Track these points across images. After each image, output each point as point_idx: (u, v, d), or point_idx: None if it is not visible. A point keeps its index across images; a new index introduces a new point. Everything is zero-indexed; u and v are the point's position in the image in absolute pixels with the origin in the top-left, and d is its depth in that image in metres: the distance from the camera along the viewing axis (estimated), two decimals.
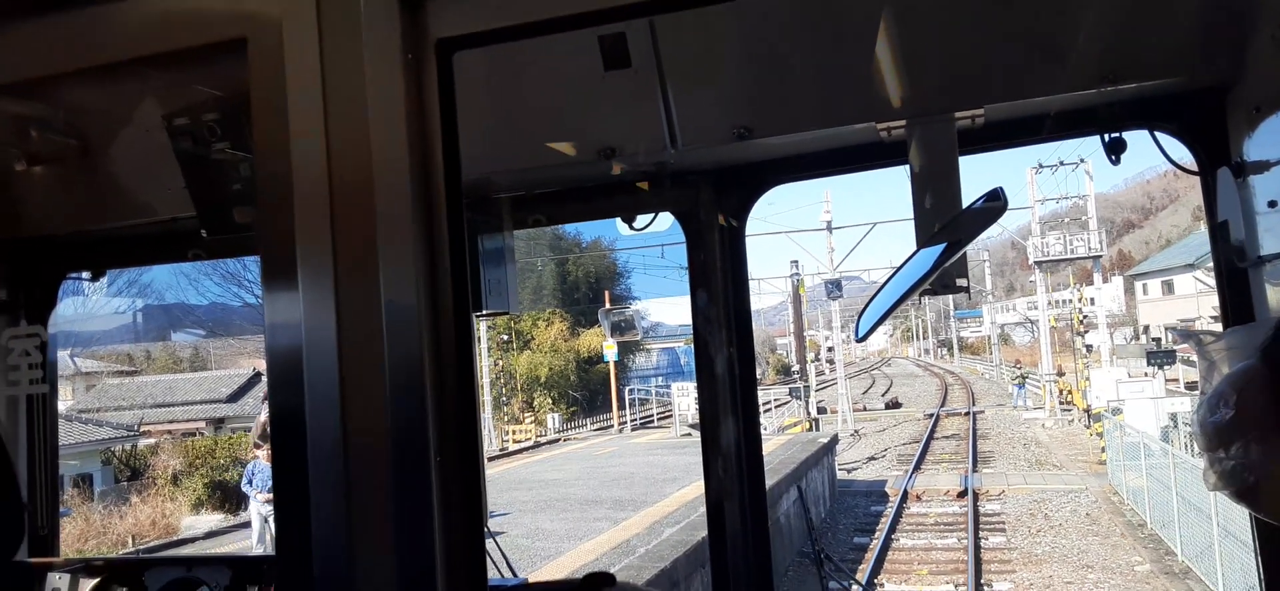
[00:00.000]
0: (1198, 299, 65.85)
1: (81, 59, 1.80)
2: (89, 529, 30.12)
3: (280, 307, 1.58)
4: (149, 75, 2.09)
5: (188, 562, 3.94)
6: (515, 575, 3.93)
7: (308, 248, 1.56)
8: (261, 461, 19.80)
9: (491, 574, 3.84)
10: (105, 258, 3.86)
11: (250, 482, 20.15)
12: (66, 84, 2.24)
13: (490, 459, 38.45)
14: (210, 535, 26.68)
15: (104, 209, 3.25)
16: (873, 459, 41.30)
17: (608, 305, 53.44)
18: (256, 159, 1.62)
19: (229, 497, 32.23)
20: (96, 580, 3.85)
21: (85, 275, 3.87)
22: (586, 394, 65.95)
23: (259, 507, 19.92)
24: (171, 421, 43.60)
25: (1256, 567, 2.81)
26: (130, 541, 28.14)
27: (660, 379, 68.41)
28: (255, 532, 20.23)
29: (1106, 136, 2.81)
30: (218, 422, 44.03)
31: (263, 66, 1.60)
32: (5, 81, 1.92)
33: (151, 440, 41.03)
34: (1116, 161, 2.83)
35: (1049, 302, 58.94)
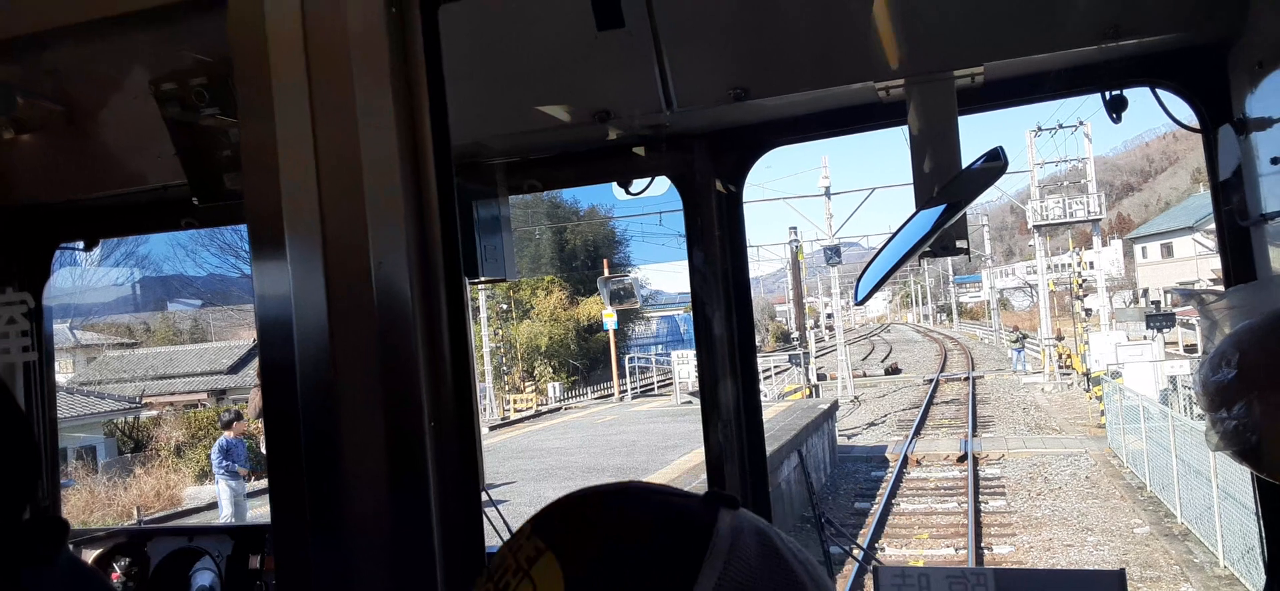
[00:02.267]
0: (1197, 261, 65.83)
1: (59, 17, 1.77)
2: (94, 500, 30.30)
3: (269, 276, 1.56)
4: (132, 37, 2.05)
5: (190, 533, 3.97)
6: None
7: (294, 212, 1.54)
8: (230, 438, 19.35)
9: (493, 541, 3.85)
10: (97, 227, 3.84)
11: (223, 464, 19.53)
12: (48, 46, 2.20)
13: (492, 428, 38.65)
14: (214, 505, 26.82)
15: (93, 177, 3.22)
16: (873, 424, 41.45)
17: (607, 273, 53.44)
18: (240, 121, 1.59)
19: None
20: (100, 551, 3.86)
21: (78, 245, 3.85)
22: (587, 362, 66.16)
23: (229, 487, 19.38)
24: (173, 393, 43.76)
25: (1259, 527, 2.81)
26: (135, 513, 28.29)
27: (660, 347, 68.55)
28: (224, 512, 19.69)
29: (1107, 94, 2.78)
30: (219, 394, 44.20)
31: (243, 23, 1.57)
32: None
33: (154, 412, 41.21)
34: (1117, 119, 2.80)
35: (1048, 267, 58.91)
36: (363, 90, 1.53)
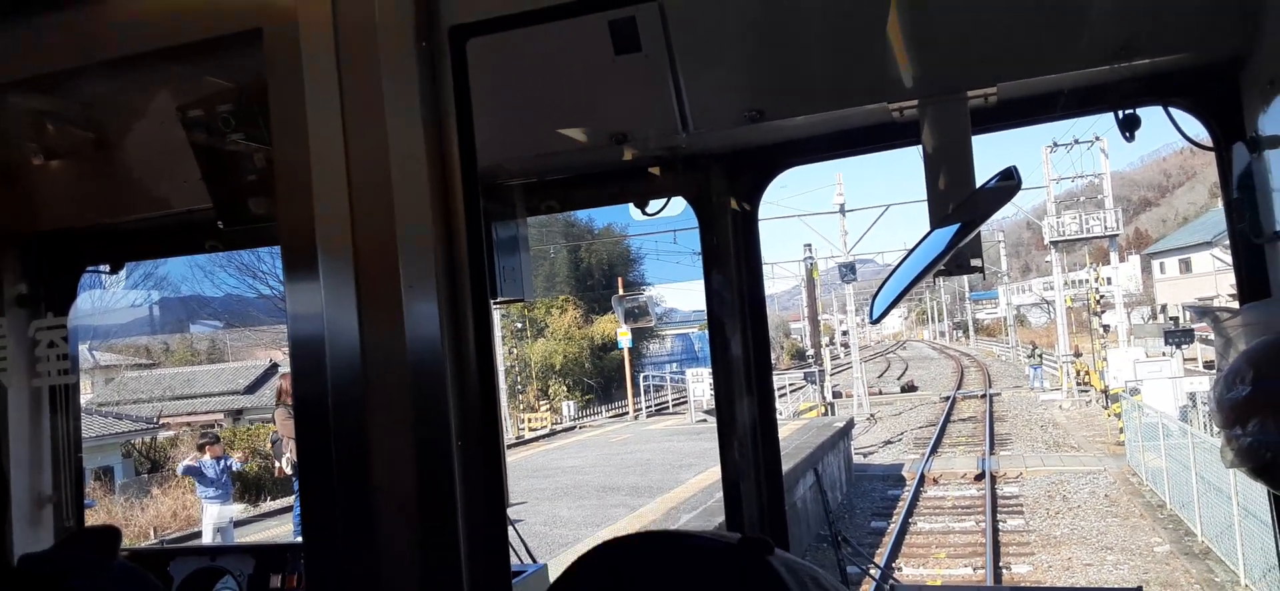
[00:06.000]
0: (1216, 277, 65.17)
1: (97, 53, 1.83)
2: (112, 521, 30.39)
3: (302, 298, 1.60)
4: (165, 68, 2.11)
5: (212, 552, 4.01)
6: (534, 561, 3.97)
7: (328, 237, 1.58)
8: (207, 460, 18.89)
9: (511, 559, 3.87)
10: (123, 250, 3.90)
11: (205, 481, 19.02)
12: (83, 78, 2.26)
13: (507, 447, 38.63)
14: (234, 525, 26.87)
15: (121, 202, 3.28)
16: (889, 442, 41.20)
17: (621, 292, 53.44)
18: (274, 150, 1.63)
19: (248, 488, 32.49)
20: None
21: (104, 268, 3.91)
22: (601, 381, 66.04)
23: (214, 512, 18.96)
24: (190, 414, 43.92)
25: (1276, 544, 2.80)
26: (152, 533, 28.39)
27: (675, 365, 68.35)
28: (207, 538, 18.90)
29: (1120, 113, 2.79)
30: (236, 414, 44.36)
31: (279, 57, 1.62)
32: (23, 76, 1.94)
33: (171, 432, 41.34)
34: (1131, 138, 2.81)
35: (1065, 283, 58.55)
36: (394, 119, 1.58)
